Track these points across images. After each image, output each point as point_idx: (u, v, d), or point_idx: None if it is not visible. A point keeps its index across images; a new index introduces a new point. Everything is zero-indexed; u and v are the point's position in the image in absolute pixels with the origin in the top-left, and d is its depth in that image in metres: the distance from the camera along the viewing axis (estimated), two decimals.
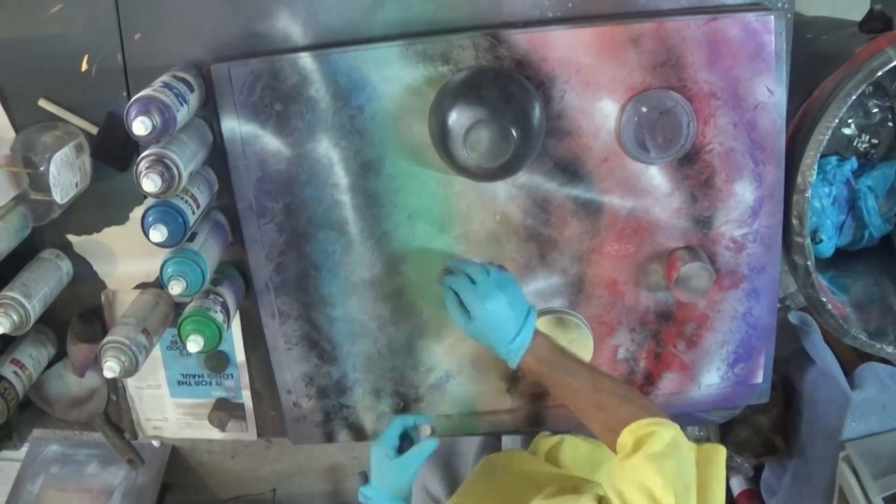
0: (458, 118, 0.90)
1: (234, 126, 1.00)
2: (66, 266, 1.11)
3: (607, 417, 0.89)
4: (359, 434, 1.19)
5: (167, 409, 1.25)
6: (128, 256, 1.12)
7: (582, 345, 1.10)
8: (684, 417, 1.21)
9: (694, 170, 1.02)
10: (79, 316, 1.16)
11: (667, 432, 0.83)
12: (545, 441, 1.16)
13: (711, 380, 1.14)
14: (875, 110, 1.14)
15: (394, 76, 0.98)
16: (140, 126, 0.85)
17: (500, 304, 0.94)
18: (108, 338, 1.03)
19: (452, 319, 0.97)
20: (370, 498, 0.99)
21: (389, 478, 0.99)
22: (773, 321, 1.11)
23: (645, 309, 1.10)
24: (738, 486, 1.82)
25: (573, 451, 1.12)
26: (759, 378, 1.14)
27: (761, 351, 1.13)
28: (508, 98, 0.91)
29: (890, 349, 1.07)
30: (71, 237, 1.12)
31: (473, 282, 0.95)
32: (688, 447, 0.85)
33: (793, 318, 1.36)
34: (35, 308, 1.02)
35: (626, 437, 0.85)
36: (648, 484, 0.78)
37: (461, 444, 1.37)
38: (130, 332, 1.03)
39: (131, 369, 1.02)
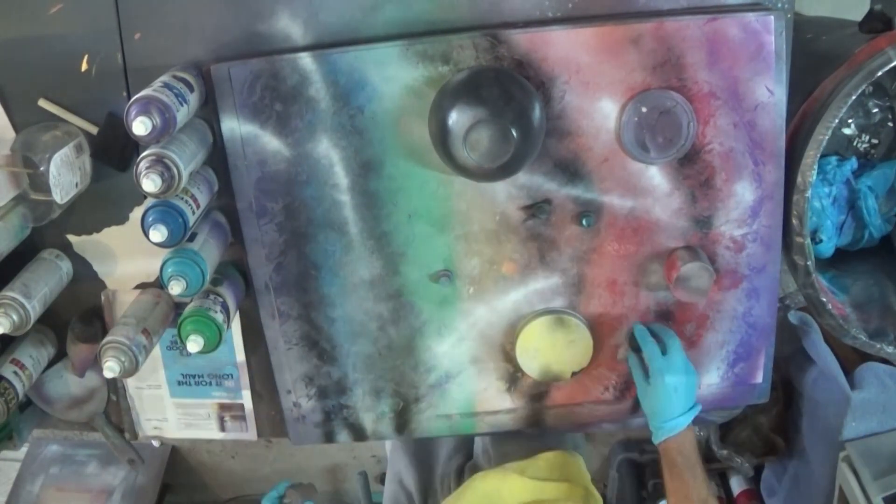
0: (458, 118, 0.90)
1: (233, 126, 1.00)
2: (66, 266, 1.11)
3: None
4: (359, 434, 1.19)
5: (167, 409, 1.25)
6: (128, 256, 1.12)
7: (582, 345, 1.10)
8: None
9: (694, 170, 1.02)
10: (79, 316, 1.16)
11: None
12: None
13: (711, 379, 1.14)
14: (875, 110, 1.14)
15: (394, 76, 0.98)
16: (140, 126, 0.85)
17: (679, 384, 0.99)
18: (108, 338, 1.03)
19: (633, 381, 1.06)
20: None
21: None
22: (773, 321, 1.11)
23: (645, 309, 1.10)
24: (738, 486, 1.81)
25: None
26: (759, 378, 1.14)
27: (761, 350, 1.13)
28: (508, 98, 0.91)
29: (890, 349, 1.07)
30: (71, 237, 1.12)
31: (664, 353, 1.01)
32: None
33: (793, 318, 1.35)
34: (35, 308, 1.02)
35: None
36: None
37: (435, 441, 1.38)
38: (130, 332, 1.03)
39: (131, 369, 1.02)
